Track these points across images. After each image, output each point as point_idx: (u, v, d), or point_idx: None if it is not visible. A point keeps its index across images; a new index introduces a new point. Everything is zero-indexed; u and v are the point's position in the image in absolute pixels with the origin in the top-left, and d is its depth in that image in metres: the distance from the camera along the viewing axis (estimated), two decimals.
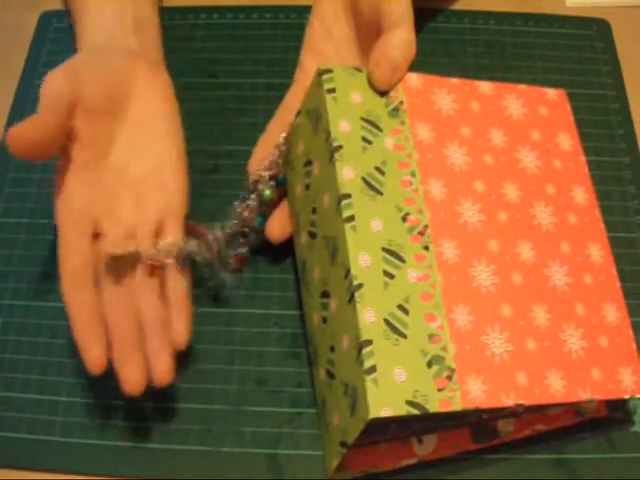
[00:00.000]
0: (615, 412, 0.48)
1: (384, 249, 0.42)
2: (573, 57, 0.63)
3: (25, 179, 0.57)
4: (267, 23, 0.64)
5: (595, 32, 0.65)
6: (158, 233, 0.48)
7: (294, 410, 0.49)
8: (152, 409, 0.49)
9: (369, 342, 0.40)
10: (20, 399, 0.49)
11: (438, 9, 0.65)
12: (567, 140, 0.50)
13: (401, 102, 0.47)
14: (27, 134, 0.44)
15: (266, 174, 0.51)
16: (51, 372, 0.50)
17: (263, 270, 0.54)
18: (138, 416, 0.48)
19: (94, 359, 0.43)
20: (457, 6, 0.66)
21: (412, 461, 0.46)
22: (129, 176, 0.48)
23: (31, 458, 0.48)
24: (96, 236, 0.47)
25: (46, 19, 0.65)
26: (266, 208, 0.52)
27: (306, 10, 0.55)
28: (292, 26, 0.63)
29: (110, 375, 0.49)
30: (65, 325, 0.51)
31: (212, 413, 0.49)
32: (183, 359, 0.50)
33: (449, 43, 0.63)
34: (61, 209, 0.47)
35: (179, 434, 0.48)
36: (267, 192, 0.51)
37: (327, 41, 0.54)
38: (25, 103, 0.61)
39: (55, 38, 0.64)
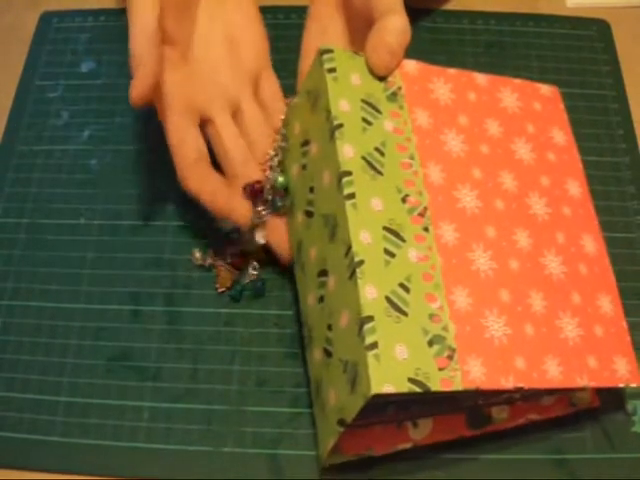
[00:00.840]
0: (608, 403, 0.48)
1: (385, 228, 0.42)
2: (573, 57, 0.63)
3: (25, 179, 0.57)
4: (267, 23, 0.64)
5: (595, 32, 0.65)
6: (256, 90, 0.53)
7: (294, 410, 0.49)
8: (152, 409, 0.49)
9: (370, 318, 0.40)
10: (20, 399, 0.49)
11: (438, 9, 0.65)
12: (561, 136, 0.51)
13: (399, 87, 0.47)
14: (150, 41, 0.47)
15: (275, 160, 0.51)
16: (51, 372, 0.50)
17: (263, 270, 0.53)
18: (138, 416, 0.49)
19: (242, 217, 0.50)
20: (457, 6, 0.66)
21: (407, 445, 0.46)
22: (214, 54, 0.52)
23: (31, 458, 0.47)
24: (204, 123, 0.51)
25: (46, 19, 0.65)
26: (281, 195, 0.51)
27: (306, 10, 0.55)
28: (292, 26, 0.63)
29: (110, 375, 0.50)
30: (65, 325, 0.52)
31: (212, 413, 0.49)
32: (183, 358, 0.50)
33: (449, 43, 0.63)
34: (166, 107, 0.50)
35: (179, 434, 0.48)
36: (280, 179, 0.50)
37: (323, 40, 0.54)
38: (25, 103, 0.61)
39: (55, 38, 0.64)
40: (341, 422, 0.41)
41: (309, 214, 0.46)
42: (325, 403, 0.44)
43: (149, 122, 0.59)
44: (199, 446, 0.48)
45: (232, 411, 0.49)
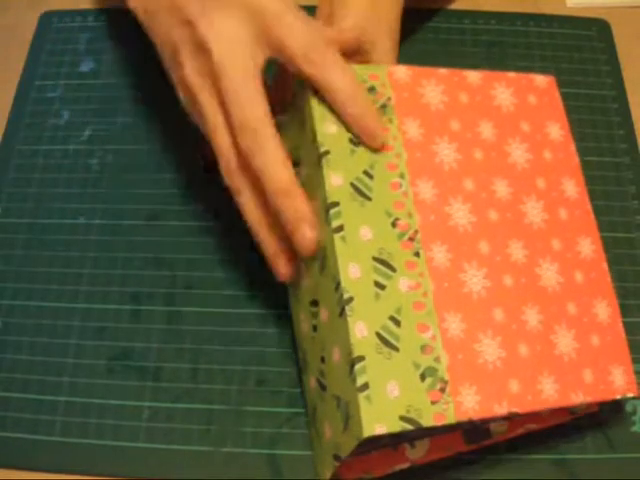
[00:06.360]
0: (606, 406, 0.48)
1: (374, 258, 0.41)
2: (573, 57, 0.63)
3: (25, 179, 0.57)
4: None
5: (595, 32, 0.65)
6: None
7: (294, 410, 0.49)
8: (152, 409, 0.49)
9: (361, 358, 0.39)
10: (20, 399, 0.49)
11: (438, 9, 0.65)
12: (557, 130, 0.49)
13: (389, 98, 0.46)
14: None
15: None
16: (51, 372, 0.50)
17: (263, 270, 0.53)
18: (138, 416, 0.49)
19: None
20: (457, 6, 0.66)
21: (405, 465, 0.46)
22: None
23: (31, 458, 0.48)
24: None
25: (46, 19, 0.65)
26: None
27: (314, 11, 0.55)
28: None
29: (110, 375, 0.50)
30: (65, 325, 0.52)
31: (212, 413, 0.49)
32: (183, 358, 0.50)
33: (449, 43, 0.63)
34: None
35: (179, 434, 0.48)
36: None
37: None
38: (25, 103, 0.61)
39: (55, 38, 0.64)
40: (336, 457, 0.41)
41: None
42: (321, 433, 0.44)
43: (150, 122, 0.60)
44: (199, 446, 0.48)
45: (232, 411, 0.49)
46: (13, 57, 0.63)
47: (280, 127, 0.47)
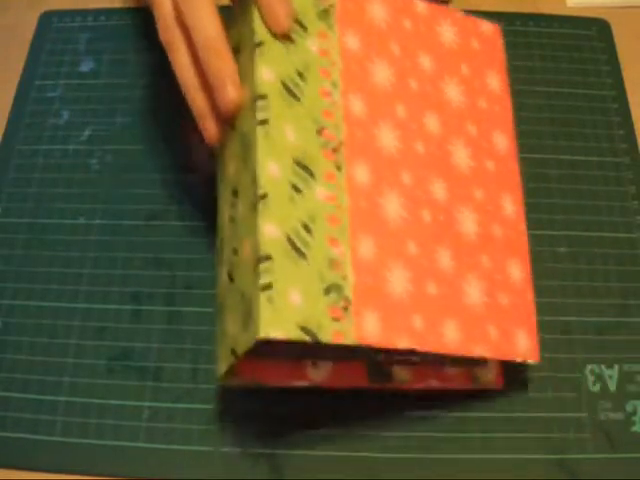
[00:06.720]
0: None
1: (295, 160, 0.40)
2: (573, 57, 0.63)
3: (25, 179, 0.57)
4: None
5: (595, 32, 0.65)
6: None
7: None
8: (152, 409, 0.49)
9: (268, 257, 0.38)
10: (20, 399, 0.49)
11: None
12: (496, 81, 0.48)
13: (332, 5, 0.44)
14: None
15: None
16: (51, 372, 0.50)
17: None
18: (138, 416, 0.49)
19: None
20: (457, 6, 0.65)
21: (304, 383, 0.44)
22: None
23: (31, 458, 0.48)
24: None
25: (46, 19, 0.65)
26: None
27: None
28: None
29: (110, 375, 0.50)
30: (65, 325, 0.52)
31: (212, 413, 0.49)
32: (184, 358, 0.50)
33: None
34: None
35: (179, 434, 0.48)
36: None
37: None
38: (25, 103, 0.61)
39: (55, 38, 0.64)
40: (233, 352, 0.40)
41: (231, 126, 0.44)
42: (224, 326, 0.42)
43: (150, 122, 0.60)
44: (199, 446, 0.48)
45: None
46: (13, 57, 0.63)
47: (229, 14, 0.46)
